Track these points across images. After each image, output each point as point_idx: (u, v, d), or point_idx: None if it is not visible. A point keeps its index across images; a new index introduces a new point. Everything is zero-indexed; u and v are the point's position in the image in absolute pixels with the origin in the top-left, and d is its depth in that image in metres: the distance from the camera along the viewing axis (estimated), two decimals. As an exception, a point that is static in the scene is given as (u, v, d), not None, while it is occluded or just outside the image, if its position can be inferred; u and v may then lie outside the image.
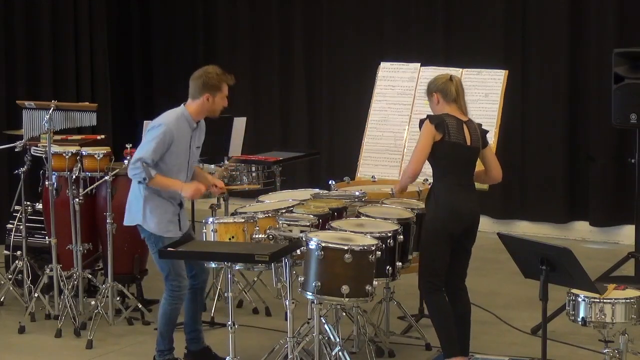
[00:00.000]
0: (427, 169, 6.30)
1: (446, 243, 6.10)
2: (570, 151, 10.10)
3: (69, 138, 7.95)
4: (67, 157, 7.46)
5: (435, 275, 6.12)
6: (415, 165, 6.11)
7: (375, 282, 5.94)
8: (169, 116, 6.40)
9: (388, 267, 6.17)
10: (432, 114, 6.20)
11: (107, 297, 7.45)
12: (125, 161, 7.27)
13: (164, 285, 6.45)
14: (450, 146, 6.05)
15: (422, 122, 6.13)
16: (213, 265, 6.20)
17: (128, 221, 6.49)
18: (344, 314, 6.76)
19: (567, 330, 6.94)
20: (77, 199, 7.41)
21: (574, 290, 5.58)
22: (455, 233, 6.11)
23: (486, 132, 6.30)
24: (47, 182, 7.56)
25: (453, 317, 6.15)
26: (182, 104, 6.47)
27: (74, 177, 7.48)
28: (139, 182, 6.29)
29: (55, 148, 7.49)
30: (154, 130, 6.33)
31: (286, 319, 6.17)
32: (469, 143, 6.11)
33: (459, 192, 6.11)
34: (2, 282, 7.97)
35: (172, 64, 12.01)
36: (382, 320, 6.98)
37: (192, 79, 6.45)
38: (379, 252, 5.94)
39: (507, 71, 7.59)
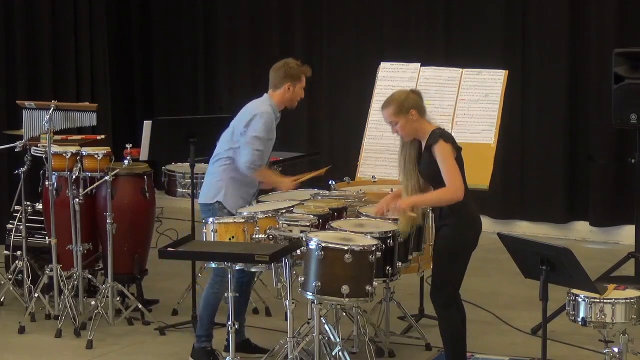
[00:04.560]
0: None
1: (467, 257, 5.99)
2: (570, 151, 10.10)
3: (69, 138, 7.95)
4: (67, 157, 7.46)
5: (454, 288, 6.00)
6: (457, 185, 5.76)
7: (375, 282, 5.94)
8: (264, 104, 6.70)
9: (388, 267, 6.16)
10: (431, 134, 5.90)
11: (107, 297, 7.45)
12: (125, 161, 7.28)
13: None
14: (461, 157, 5.92)
15: (430, 146, 5.86)
16: (213, 265, 6.21)
17: (205, 199, 6.71)
18: (344, 314, 6.77)
19: (567, 330, 6.94)
20: (77, 199, 7.40)
21: (574, 290, 5.57)
22: (475, 245, 6.00)
23: None
24: (47, 182, 7.56)
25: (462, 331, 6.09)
26: (265, 94, 6.75)
27: (74, 177, 7.48)
28: (254, 170, 6.56)
29: (55, 148, 7.49)
30: (260, 120, 6.57)
31: (286, 319, 6.17)
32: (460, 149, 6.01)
33: (472, 202, 5.98)
34: (2, 282, 7.97)
35: (172, 64, 12.02)
36: (382, 320, 6.98)
37: (273, 69, 6.76)
38: (379, 252, 5.94)
39: (507, 71, 7.58)
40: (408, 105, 5.94)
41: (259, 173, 6.65)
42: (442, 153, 5.82)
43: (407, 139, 6.03)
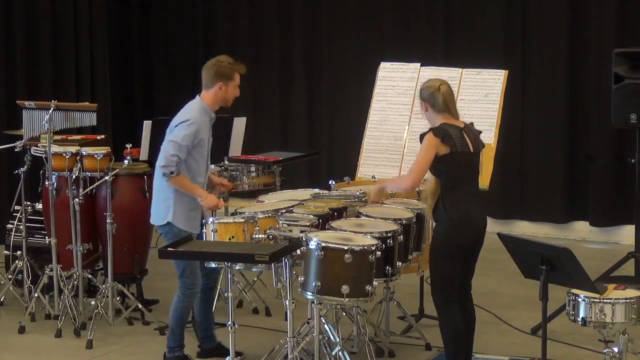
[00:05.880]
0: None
1: (460, 254, 6.00)
2: (570, 151, 10.10)
3: (69, 138, 7.95)
4: (67, 157, 7.46)
5: (450, 285, 6.00)
6: (415, 179, 5.98)
7: (375, 282, 5.94)
8: (193, 110, 6.47)
9: (388, 267, 6.17)
10: (434, 127, 6.01)
11: (107, 297, 7.45)
12: (125, 161, 7.28)
13: (178, 283, 6.49)
14: (459, 156, 5.93)
15: (423, 136, 5.99)
16: (213, 265, 6.21)
17: (156, 220, 6.53)
18: (344, 314, 6.77)
19: (567, 330, 6.95)
20: (77, 199, 7.41)
21: (574, 290, 5.58)
22: (470, 244, 6.04)
23: (480, 132, 6.23)
24: (47, 182, 7.56)
25: (463, 330, 6.08)
26: (197, 95, 6.55)
27: (74, 177, 7.48)
28: (164, 175, 6.32)
29: (55, 148, 7.49)
30: (184, 127, 6.36)
31: (286, 319, 6.17)
32: (472, 150, 6.02)
33: (471, 201, 6.00)
34: (2, 282, 7.98)
35: (172, 64, 12.01)
36: (382, 320, 6.98)
37: (205, 68, 6.55)
38: (379, 252, 5.94)
39: (507, 71, 7.59)
40: (421, 96, 6.09)
41: (174, 180, 6.32)
42: (423, 143, 5.95)
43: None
